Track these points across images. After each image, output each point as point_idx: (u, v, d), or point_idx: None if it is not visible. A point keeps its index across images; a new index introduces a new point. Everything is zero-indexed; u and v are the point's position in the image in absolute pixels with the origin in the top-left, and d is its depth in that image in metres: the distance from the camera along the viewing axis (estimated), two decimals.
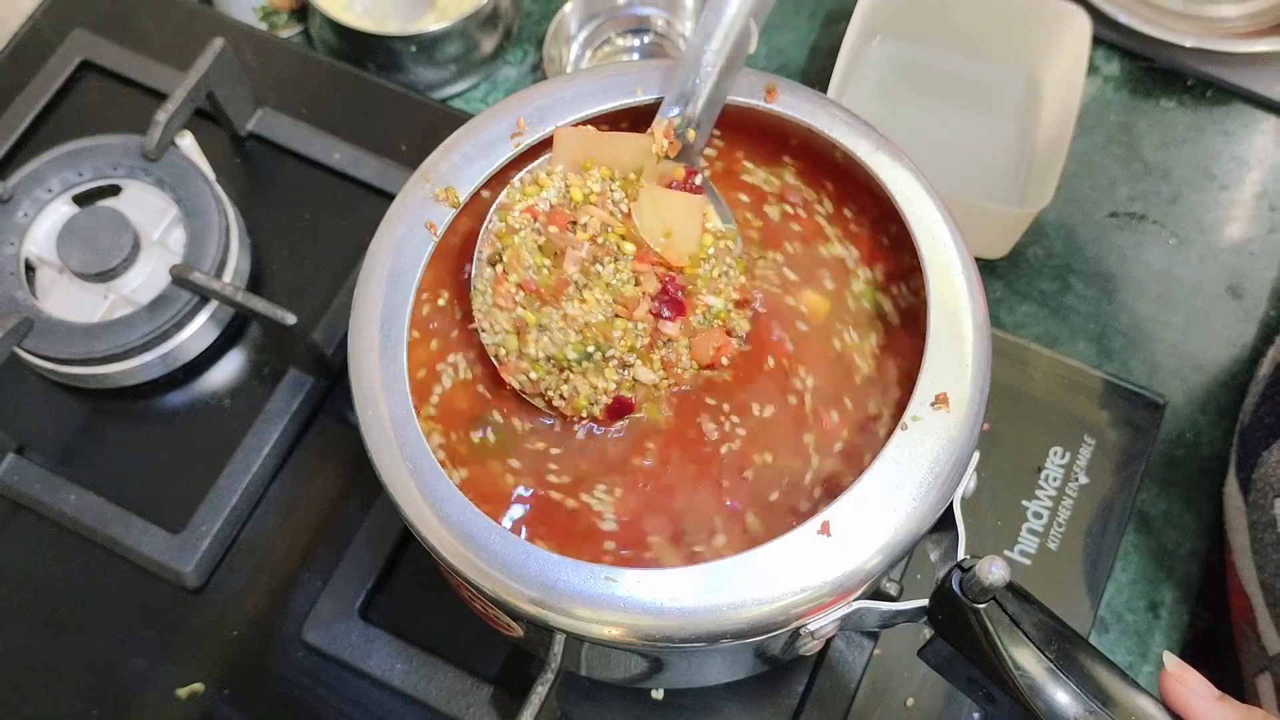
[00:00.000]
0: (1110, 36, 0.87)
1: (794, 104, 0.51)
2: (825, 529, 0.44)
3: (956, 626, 0.44)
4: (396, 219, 0.49)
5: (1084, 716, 0.42)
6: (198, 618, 0.64)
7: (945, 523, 0.47)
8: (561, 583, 0.43)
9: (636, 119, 0.53)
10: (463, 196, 0.49)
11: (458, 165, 0.50)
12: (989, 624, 0.43)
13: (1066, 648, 0.43)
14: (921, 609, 0.45)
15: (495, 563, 0.44)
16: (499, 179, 0.51)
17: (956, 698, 0.62)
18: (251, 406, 0.68)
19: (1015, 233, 0.79)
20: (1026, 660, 0.43)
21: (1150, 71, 0.88)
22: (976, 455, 0.47)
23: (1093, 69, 0.88)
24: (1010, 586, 0.44)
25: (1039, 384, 0.70)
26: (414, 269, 0.48)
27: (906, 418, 0.45)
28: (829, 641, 0.62)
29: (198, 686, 0.63)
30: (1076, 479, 0.68)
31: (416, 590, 0.64)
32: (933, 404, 0.46)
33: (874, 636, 0.62)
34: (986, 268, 0.81)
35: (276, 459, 0.67)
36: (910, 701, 0.62)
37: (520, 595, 0.44)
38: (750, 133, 0.54)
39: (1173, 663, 0.43)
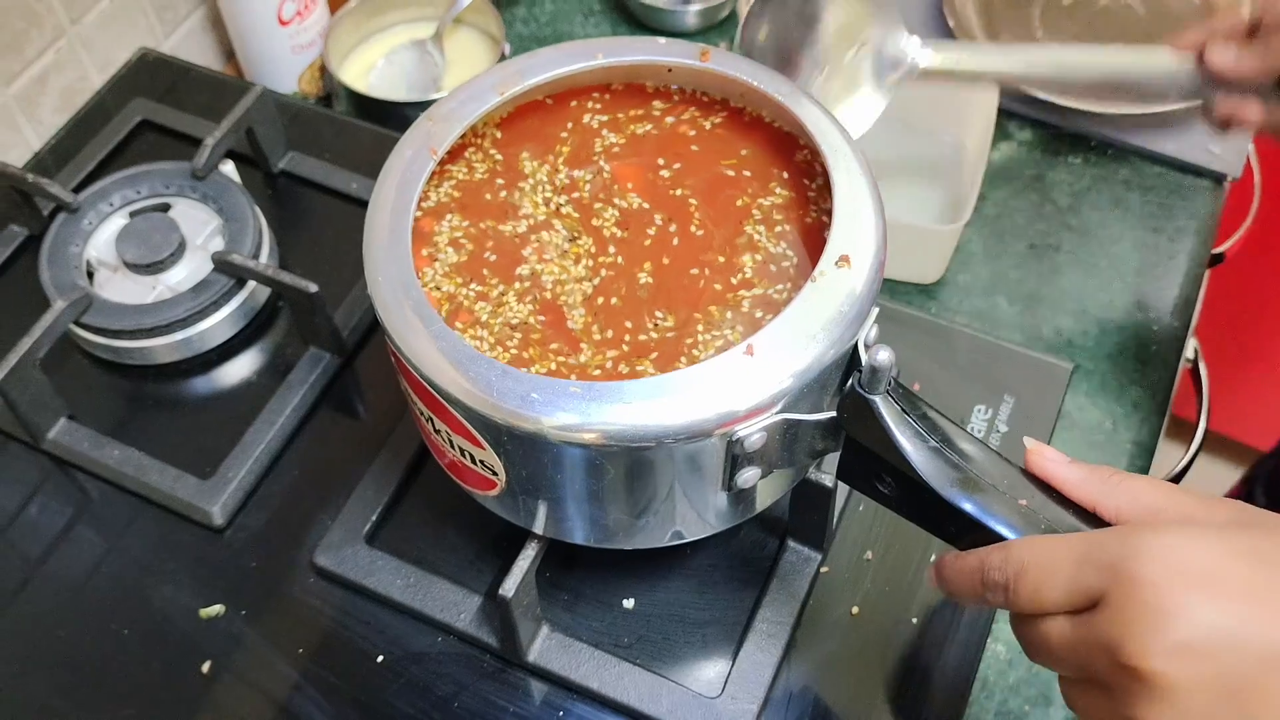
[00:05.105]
0: (1022, 110, 1.01)
1: (724, 62, 0.64)
2: (750, 350, 0.53)
3: (859, 423, 0.53)
4: (405, 146, 0.61)
5: (961, 480, 0.50)
6: (221, 552, 0.72)
7: (856, 366, 0.56)
8: (536, 392, 0.53)
9: (597, 82, 0.66)
10: (458, 130, 0.61)
11: (454, 109, 0.62)
12: (884, 412, 0.52)
13: (947, 433, 0.52)
14: (833, 418, 0.54)
15: (480, 383, 0.53)
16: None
17: (893, 608, 0.70)
18: (274, 380, 0.78)
19: (945, 253, 0.90)
20: (915, 441, 0.51)
21: (1058, 136, 1.01)
22: (876, 310, 0.57)
23: (1008, 135, 1.02)
24: (900, 386, 0.53)
25: (963, 354, 0.80)
26: (418, 178, 0.59)
27: (815, 273, 0.55)
28: (779, 557, 0.70)
29: (219, 608, 0.70)
30: (998, 430, 0.77)
31: (418, 521, 0.72)
32: (837, 263, 0.56)
33: (819, 547, 0.70)
34: (923, 291, 0.92)
35: (296, 420, 0.76)
36: (855, 610, 0.70)
37: (501, 409, 0.53)
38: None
39: (1031, 441, 0.51)
